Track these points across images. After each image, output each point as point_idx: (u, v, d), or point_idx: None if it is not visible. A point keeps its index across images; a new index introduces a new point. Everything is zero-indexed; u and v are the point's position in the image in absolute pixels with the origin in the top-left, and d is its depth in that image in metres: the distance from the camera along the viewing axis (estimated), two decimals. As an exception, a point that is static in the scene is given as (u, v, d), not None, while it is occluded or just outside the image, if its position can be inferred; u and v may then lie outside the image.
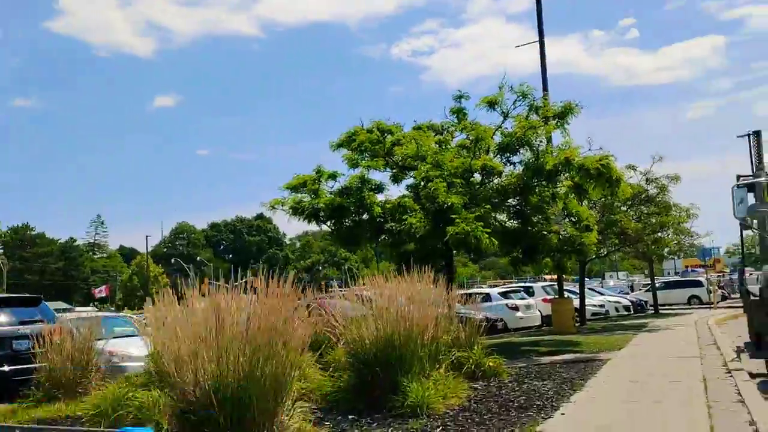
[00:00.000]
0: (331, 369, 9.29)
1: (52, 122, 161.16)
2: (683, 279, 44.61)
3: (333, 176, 16.99)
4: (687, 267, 65.00)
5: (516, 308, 24.78)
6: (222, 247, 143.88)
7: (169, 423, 5.69)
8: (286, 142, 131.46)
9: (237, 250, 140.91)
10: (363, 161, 16.36)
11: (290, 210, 16.09)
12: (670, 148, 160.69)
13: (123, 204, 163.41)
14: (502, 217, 16.85)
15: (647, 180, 26.30)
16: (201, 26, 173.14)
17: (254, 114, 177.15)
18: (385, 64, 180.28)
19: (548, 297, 26.18)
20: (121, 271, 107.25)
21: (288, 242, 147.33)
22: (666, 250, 30.89)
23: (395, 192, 17.75)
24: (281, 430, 5.50)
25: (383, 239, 16.42)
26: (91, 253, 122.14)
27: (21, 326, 11.65)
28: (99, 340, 11.21)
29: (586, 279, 29.49)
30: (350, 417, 7.74)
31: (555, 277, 25.55)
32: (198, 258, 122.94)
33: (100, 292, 70.95)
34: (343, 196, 16.07)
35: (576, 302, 24.66)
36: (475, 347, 10.87)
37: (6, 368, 11.40)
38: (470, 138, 16.15)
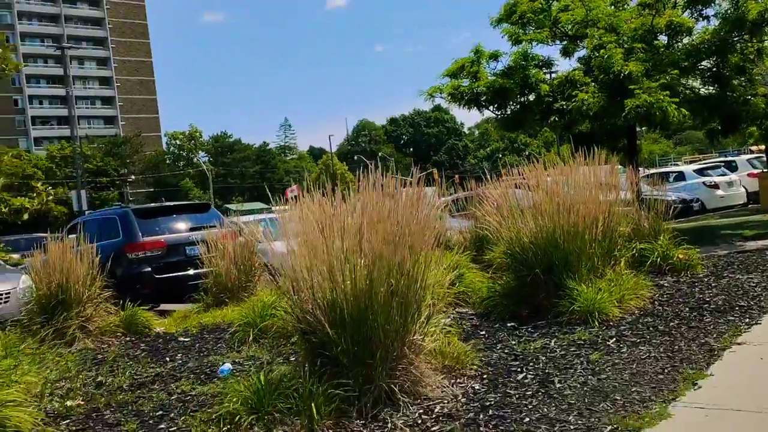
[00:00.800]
0: (491, 269, 8.43)
1: (237, 34, 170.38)
2: None
3: (494, 56, 15.37)
4: None
5: (715, 186, 22.00)
6: (402, 141, 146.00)
7: (297, 344, 5.23)
8: (461, 28, 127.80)
9: (417, 142, 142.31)
10: (525, 35, 14.59)
11: (449, 97, 14.90)
12: None
13: (309, 106, 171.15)
14: (694, 83, 14.46)
15: None
16: None
17: (427, 3, 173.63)
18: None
19: (755, 171, 22.90)
20: (311, 170, 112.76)
21: (467, 131, 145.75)
22: None
23: (567, 68, 15.90)
24: (414, 350, 4.79)
25: (553, 121, 14.84)
26: (282, 155, 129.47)
27: (192, 232, 11.95)
28: (262, 242, 11.18)
29: (803, 147, 25.40)
30: (509, 325, 6.89)
31: (763, 148, 22.17)
32: (380, 154, 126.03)
33: (292, 191, 75.06)
34: (506, 77, 14.56)
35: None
36: (661, 236, 9.40)
37: (191, 272, 11.75)
38: (651, -9, 13.66)
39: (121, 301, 9.30)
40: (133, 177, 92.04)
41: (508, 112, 15.22)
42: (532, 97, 14.99)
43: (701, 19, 14.15)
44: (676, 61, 13.27)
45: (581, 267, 6.98)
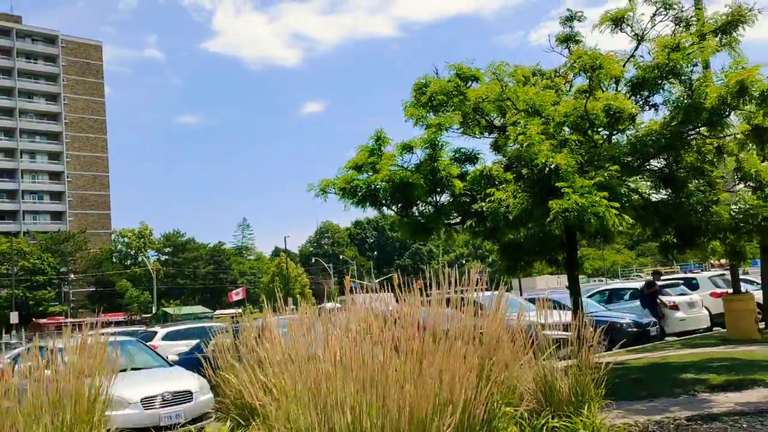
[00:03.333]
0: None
1: (207, 135, 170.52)
2: None
3: (408, 147, 12.39)
4: None
5: (675, 307, 19.10)
6: (366, 244, 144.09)
7: None
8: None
9: (381, 246, 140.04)
10: (432, 119, 11.78)
11: (340, 192, 11.83)
12: None
13: (277, 208, 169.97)
14: (641, 183, 11.71)
15: None
16: (342, 32, 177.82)
17: (398, 113, 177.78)
18: (524, 51, 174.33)
19: (719, 291, 20.09)
20: (267, 272, 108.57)
21: (432, 236, 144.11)
22: None
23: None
24: None
25: (470, 226, 11.90)
26: (240, 255, 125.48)
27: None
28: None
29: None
30: None
31: (728, 263, 19.41)
32: (341, 256, 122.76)
33: (237, 294, 70.76)
34: (412, 171, 11.68)
35: (759, 297, 18.45)
36: (589, 404, 6.15)
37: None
38: (585, 68, 10.96)
39: None
40: (73, 276, 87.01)
41: (416, 214, 12.23)
42: (447, 197, 12.11)
43: (648, 107, 11.58)
44: (618, 156, 10.54)
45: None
